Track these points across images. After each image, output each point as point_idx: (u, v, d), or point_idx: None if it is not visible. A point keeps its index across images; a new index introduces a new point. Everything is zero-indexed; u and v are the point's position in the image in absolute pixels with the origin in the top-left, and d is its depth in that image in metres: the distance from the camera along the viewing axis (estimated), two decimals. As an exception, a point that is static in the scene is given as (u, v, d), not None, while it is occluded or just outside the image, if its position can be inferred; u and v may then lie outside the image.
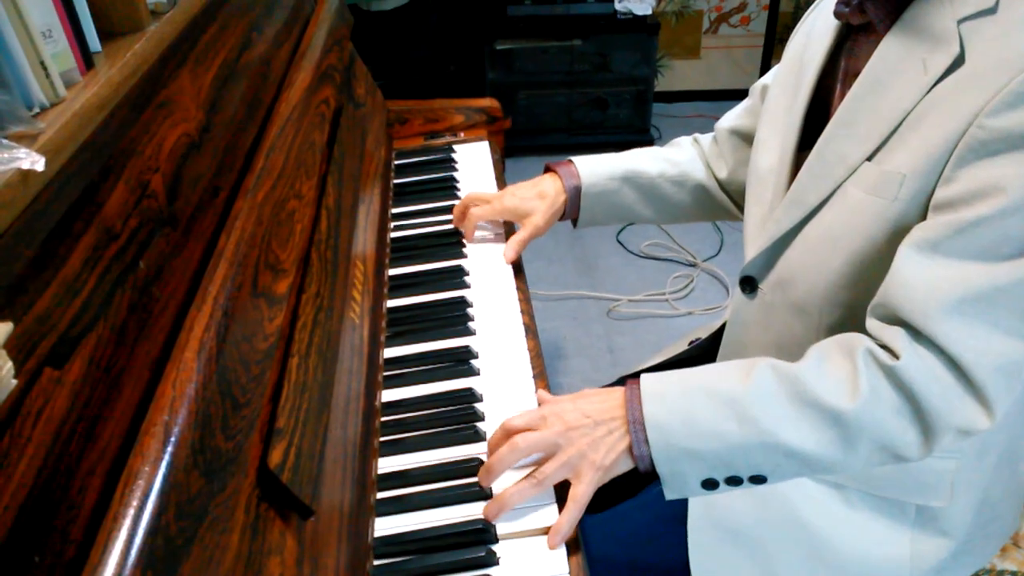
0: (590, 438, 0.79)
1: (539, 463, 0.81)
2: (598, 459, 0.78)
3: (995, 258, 0.71)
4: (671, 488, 0.79)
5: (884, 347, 0.76)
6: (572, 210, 1.18)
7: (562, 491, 0.83)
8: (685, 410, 0.78)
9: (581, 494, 0.78)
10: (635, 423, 0.79)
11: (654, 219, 1.21)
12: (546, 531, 0.79)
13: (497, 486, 0.82)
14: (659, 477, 0.79)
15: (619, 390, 0.82)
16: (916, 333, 0.74)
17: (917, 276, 0.73)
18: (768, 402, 0.76)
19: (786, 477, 0.79)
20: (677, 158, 1.18)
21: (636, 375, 0.83)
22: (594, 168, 1.16)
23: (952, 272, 0.72)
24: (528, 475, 0.80)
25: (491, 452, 0.84)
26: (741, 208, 1.16)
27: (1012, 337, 0.72)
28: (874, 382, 0.74)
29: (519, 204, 1.17)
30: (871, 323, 0.78)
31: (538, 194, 1.17)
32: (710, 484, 0.78)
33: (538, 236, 1.16)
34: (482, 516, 0.79)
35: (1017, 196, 0.69)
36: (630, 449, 0.79)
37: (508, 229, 1.25)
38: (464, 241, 1.22)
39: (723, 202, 1.18)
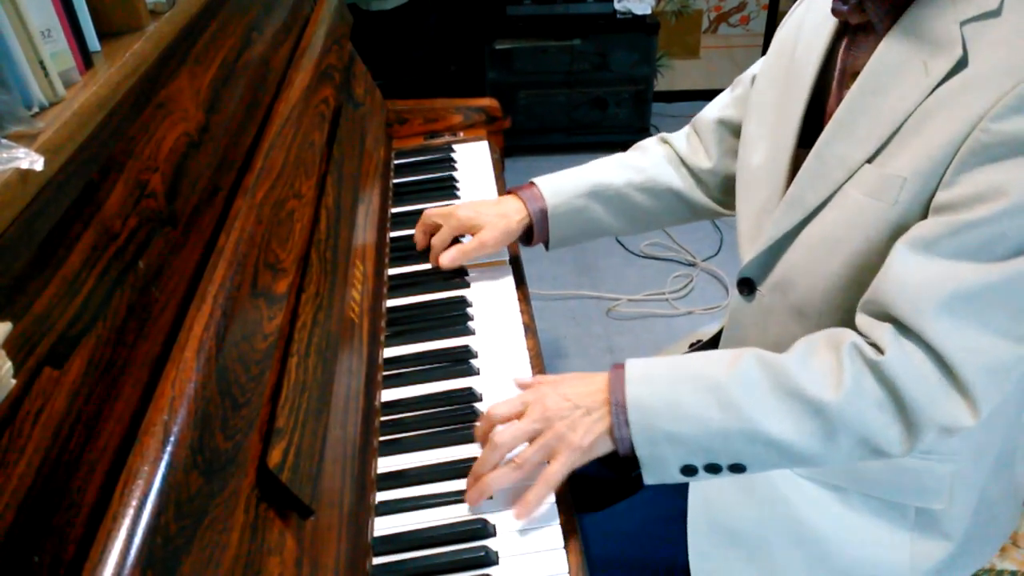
0: (569, 420, 0.80)
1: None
2: (576, 440, 0.79)
3: (989, 258, 0.71)
4: (650, 472, 0.79)
5: (871, 343, 0.76)
6: (541, 234, 1.13)
7: (562, 488, 0.83)
8: (668, 394, 0.78)
9: (553, 473, 0.79)
10: (617, 405, 0.79)
11: (626, 230, 1.18)
12: (545, 529, 0.79)
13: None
14: (638, 461, 0.79)
15: (603, 374, 0.83)
16: (904, 329, 0.74)
17: (910, 273, 0.73)
18: (751, 390, 0.76)
19: (766, 467, 0.80)
20: (642, 164, 1.14)
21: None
22: (558, 188, 1.12)
23: (945, 270, 0.72)
24: (509, 460, 0.80)
25: (478, 439, 0.84)
26: (722, 203, 1.14)
27: (1002, 337, 0.72)
28: (858, 376, 0.74)
29: (474, 217, 1.11)
30: (860, 319, 0.78)
31: (498, 213, 1.12)
32: (689, 470, 0.79)
33: (484, 253, 1.11)
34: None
35: (1018, 200, 0.68)
36: (610, 431, 0.80)
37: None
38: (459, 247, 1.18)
39: (698, 203, 1.14)
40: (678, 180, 1.14)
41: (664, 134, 1.19)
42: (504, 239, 1.12)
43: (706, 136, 1.14)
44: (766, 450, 0.76)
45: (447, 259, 1.11)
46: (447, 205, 1.19)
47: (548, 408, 0.81)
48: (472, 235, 1.12)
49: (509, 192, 1.16)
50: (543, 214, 1.12)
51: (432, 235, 1.16)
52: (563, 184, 1.13)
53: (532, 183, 1.14)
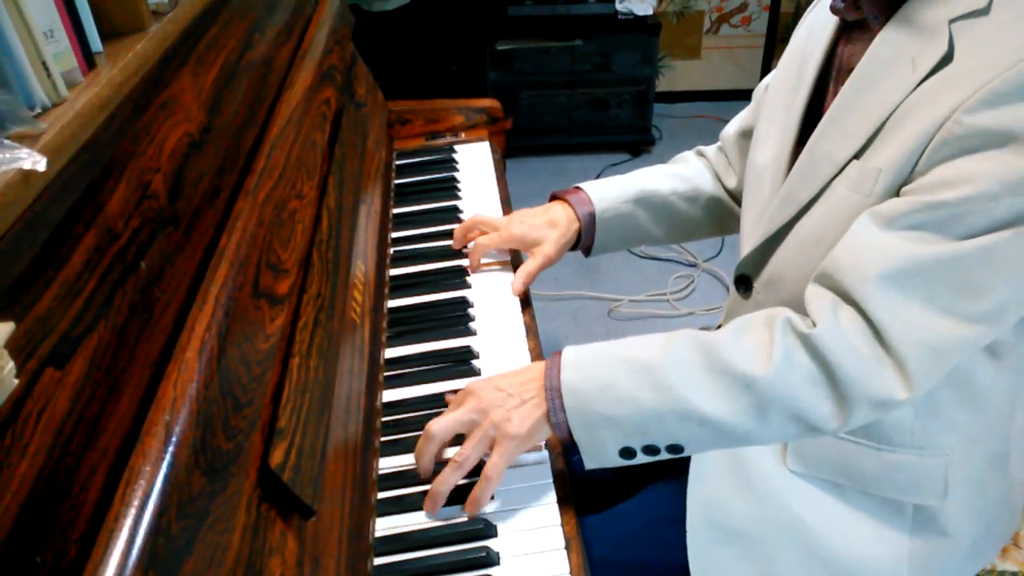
0: (504, 409, 0.80)
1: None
2: (512, 429, 0.79)
3: (945, 235, 0.71)
4: (589, 456, 0.80)
5: (807, 317, 0.76)
6: (587, 238, 1.13)
7: (564, 490, 0.83)
8: (602, 377, 0.79)
9: (492, 466, 0.79)
10: (552, 390, 0.80)
11: (668, 239, 1.17)
12: (546, 530, 0.79)
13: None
14: (577, 445, 0.80)
15: (539, 363, 0.84)
16: (846, 298, 0.74)
17: (864, 242, 0.74)
18: (683, 370, 0.77)
19: (703, 448, 0.80)
20: (686, 173, 1.15)
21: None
22: (605, 193, 1.12)
23: (899, 243, 0.72)
24: (450, 460, 0.80)
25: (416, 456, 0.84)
26: None
27: (945, 315, 0.72)
28: (788, 350, 0.75)
29: (527, 232, 1.11)
30: (810, 287, 0.79)
31: (548, 222, 1.11)
32: (627, 453, 0.79)
33: (549, 266, 1.11)
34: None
35: (983, 188, 0.69)
36: (547, 417, 0.80)
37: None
38: (465, 254, 1.19)
39: (736, 213, 1.14)
40: (718, 191, 1.15)
41: (700, 147, 1.20)
42: (564, 248, 1.12)
43: (730, 150, 1.14)
44: (700, 429, 0.77)
45: (519, 285, 1.10)
46: (452, 228, 1.19)
47: (483, 400, 0.81)
48: (524, 249, 1.13)
49: (553, 198, 1.15)
50: (591, 218, 1.11)
51: (469, 238, 1.17)
52: (610, 189, 1.13)
53: (578, 188, 1.13)
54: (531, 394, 0.81)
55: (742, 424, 0.76)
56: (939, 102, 0.72)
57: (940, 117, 0.71)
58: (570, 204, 1.12)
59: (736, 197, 1.14)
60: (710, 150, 1.18)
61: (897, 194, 0.75)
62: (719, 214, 1.16)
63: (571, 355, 0.82)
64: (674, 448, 0.79)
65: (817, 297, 0.77)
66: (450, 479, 0.80)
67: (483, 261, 1.17)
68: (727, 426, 0.76)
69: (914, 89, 0.74)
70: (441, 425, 0.81)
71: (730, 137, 1.14)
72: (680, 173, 1.15)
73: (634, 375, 0.78)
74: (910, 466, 0.85)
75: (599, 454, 0.79)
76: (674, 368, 0.77)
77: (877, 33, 0.79)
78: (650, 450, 0.79)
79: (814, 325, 0.75)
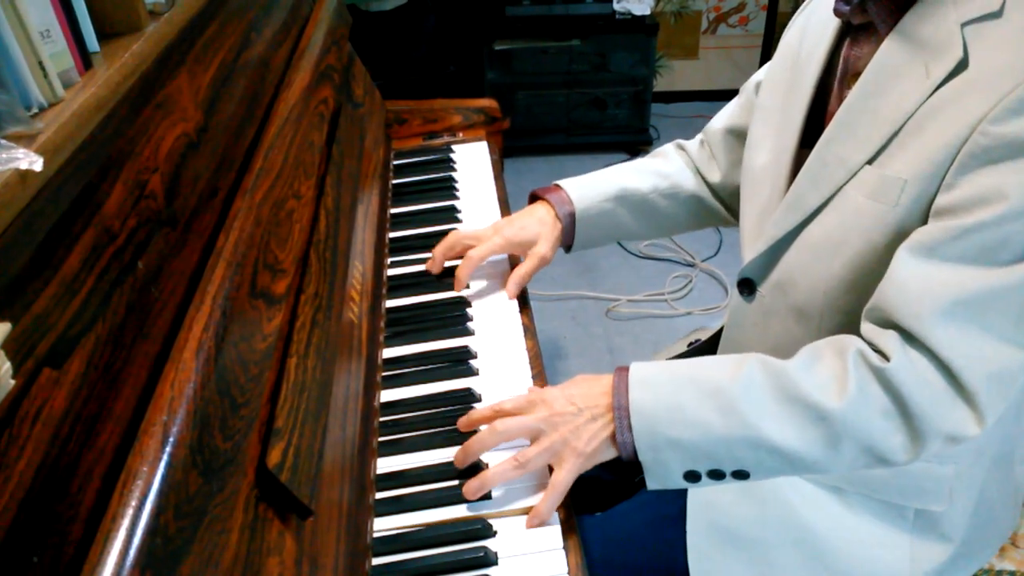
0: (573, 424, 0.80)
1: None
2: (580, 446, 0.79)
3: (991, 263, 0.70)
4: (653, 477, 0.79)
5: (877, 350, 0.76)
6: (567, 237, 1.12)
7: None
8: (671, 398, 0.78)
9: (560, 481, 0.79)
10: (620, 409, 0.79)
11: (648, 235, 1.18)
12: (545, 529, 0.79)
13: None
14: (641, 466, 0.79)
15: (608, 376, 0.83)
16: (909, 337, 0.73)
17: (912, 279, 0.73)
18: (754, 396, 0.76)
19: (770, 474, 0.79)
20: (666, 170, 1.14)
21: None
22: (585, 191, 1.11)
23: (947, 276, 0.71)
24: (511, 457, 0.80)
25: (476, 423, 0.85)
26: (734, 212, 1.14)
27: (1005, 343, 0.72)
28: (863, 383, 0.74)
29: (519, 233, 1.10)
30: (865, 327, 0.78)
31: (539, 222, 1.11)
32: (692, 476, 0.79)
33: (544, 267, 1.10)
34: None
35: (1018, 203, 0.68)
36: (613, 437, 0.80)
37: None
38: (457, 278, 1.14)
39: (716, 209, 1.15)
40: (698, 187, 1.14)
41: (680, 141, 1.19)
42: (556, 247, 1.11)
43: (716, 146, 1.14)
44: (769, 457, 0.76)
45: (514, 289, 1.09)
46: (450, 228, 1.20)
47: (554, 410, 0.81)
48: (520, 252, 1.12)
49: (534, 197, 1.15)
50: (571, 218, 1.11)
51: (450, 257, 1.13)
52: (590, 188, 1.12)
53: (558, 186, 1.13)
54: (601, 411, 0.80)
55: (812, 454, 0.75)
56: (961, 111, 0.71)
57: (965, 127, 0.70)
58: (550, 204, 1.11)
59: (717, 192, 1.14)
60: (691, 144, 1.17)
61: (927, 208, 0.74)
62: (698, 211, 1.15)
63: (639, 373, 0.81)
64: (740, 474, 0.78)
65: (880, 334, 0.76)
66: (508, 475, 0.80)
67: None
68: (797, 456, 0.76)
69: (930, 95, 0.74)
70: (508, 426, 0.81)
71: (716, 132, 1.13)
72: (660, 169, 1.15)
73: (703, 398, 0.77)
74: (917, 473, 0.85)
75: (663, 476, 0.79)
76: (745, 394, 0.76)
77: (885, 36, 0.78)
78: (715, 475, 0.78)
79: (886, 359, 0.74)
